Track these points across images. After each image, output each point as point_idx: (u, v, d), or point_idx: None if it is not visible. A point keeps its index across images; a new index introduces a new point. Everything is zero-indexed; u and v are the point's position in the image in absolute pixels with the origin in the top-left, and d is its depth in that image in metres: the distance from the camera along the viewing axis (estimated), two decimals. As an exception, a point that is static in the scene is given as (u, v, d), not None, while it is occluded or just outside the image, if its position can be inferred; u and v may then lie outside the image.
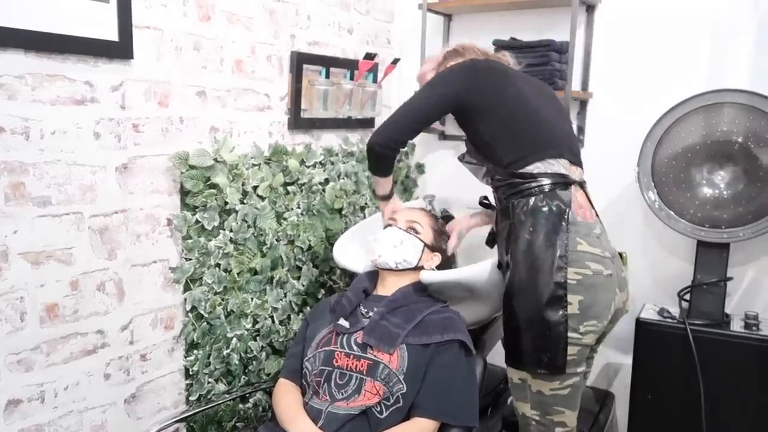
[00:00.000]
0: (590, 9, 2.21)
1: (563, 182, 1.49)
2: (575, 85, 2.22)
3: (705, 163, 1.92)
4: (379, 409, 1.45)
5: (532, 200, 1.47)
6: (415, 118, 1.58)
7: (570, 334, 1.43)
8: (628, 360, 2.11)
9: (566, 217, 1.45)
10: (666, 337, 1.88)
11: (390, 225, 1.71)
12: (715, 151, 1.89)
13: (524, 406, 1.54)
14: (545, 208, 1.46)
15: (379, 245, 1.66)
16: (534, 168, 1.49)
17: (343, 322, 1.57)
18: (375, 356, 1.48)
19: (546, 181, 1.48)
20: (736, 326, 1.89)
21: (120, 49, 1.45)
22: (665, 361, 1.89)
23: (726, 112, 1.86)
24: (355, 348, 1.51)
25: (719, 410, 1.84)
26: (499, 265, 1.59)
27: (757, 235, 1.84)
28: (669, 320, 1.91)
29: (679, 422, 1.90)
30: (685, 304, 1.97)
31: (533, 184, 1.48)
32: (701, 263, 1.94)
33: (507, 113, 1.53)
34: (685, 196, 1.93)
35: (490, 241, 1.77)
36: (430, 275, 1.64)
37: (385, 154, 1.63)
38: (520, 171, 1.50)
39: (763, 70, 1.98)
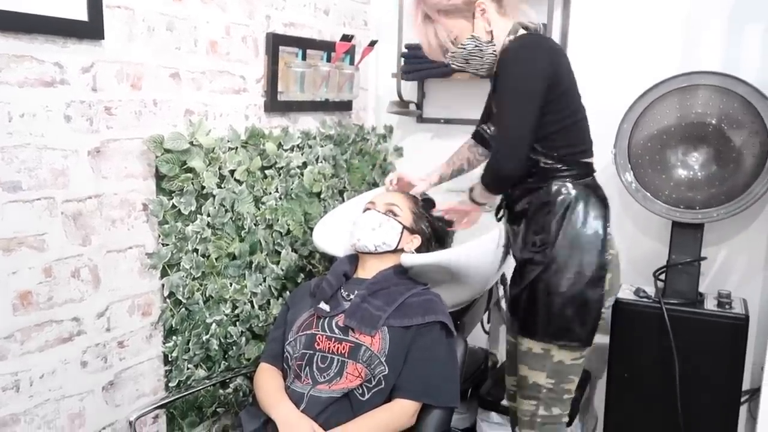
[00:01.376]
0: (567, -9, 2.22)
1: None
2: (552, 67, 2.22)
3: (680, 145, 1.94)
4: (361, 391, 1.46)
5: (581, 184, 1.55)
6: (531, 125, 1.48)
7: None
8: (605, 339, 2.14)
9: (607, 203, 1.58)
10: (642, 317, 1.91)
11: (368, 209, 1.70)
12: (689, 132, 1.92)
13: (539, 375, 1.57)
14: (594, 193, 1.56)
15: (358, 229, 1.65)
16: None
17: (323, 305, 1.57)
18: (356, 339, 1.48)
19: (588, 171, 1.59)
20: (710, 305, 1.93)
21: (90, 29, 1.40)
22: (641, 339, 1.92)
23: (700, 94, 1.89)
24: (336, 331, 1.51)
25: (693, 386, 1.88)
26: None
27: (730, 216, 1.88)
28: (645, 300, 1.94)
29: (655, 399, 1.94)
30: (660, 284, 2.01)
31: (581, 171, 1.56)
32: (676, 243, 1.97)
33: (572, 109, 1.55)
34: (661, 178, 1.95)
35: (501, 215, 1.74)
36: (411, 258, 1.64)
37: (518, 175, 1.53)
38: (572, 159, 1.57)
39: (736, 52, 2.00)
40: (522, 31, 1.55)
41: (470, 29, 1.55)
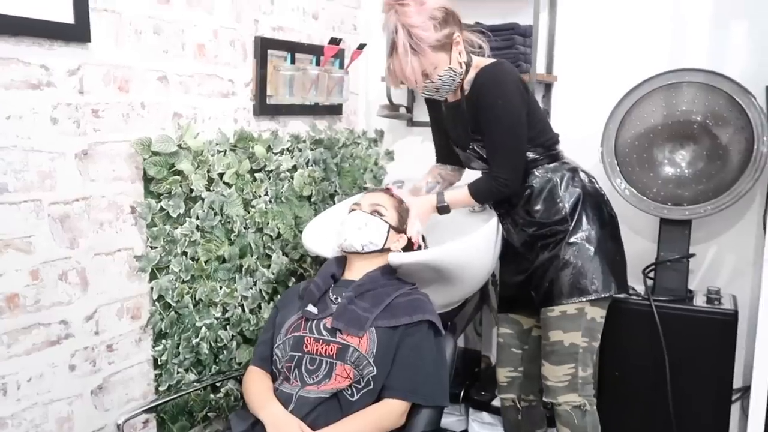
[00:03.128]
0: (553, -7, 2.24)
1: None
2: (540, 68, 2.24)
3: (666, 143, 1.95)
4: (350, 392, 1.46)
5: (559, 163, 1.77)
6: (524, 144, 1.70)
7: None
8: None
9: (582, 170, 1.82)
10: (632, 314, 1.91)
11: (354, 210, 1.71)
12: (675, 130, 1.93)
13: (575, 335, 1.70)
14: (571, 166, 1.79)
15: (345, 229, 1.65)
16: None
17: (311, 308, 1.56)
18: (344, 340, 1.48)
19: (559, 155, 1.81)
20: (699, 301, 1.94)
21: (76, 32, 1.41)
22: (631, 337, 1.92)
23: (685, 91, 1.90)
24: (324, 333, 1.51)
25: (684, 383, 1.88)
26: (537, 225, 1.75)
27: (717, 211, 1.89)
28: (634, 297, 1.94)
29: (645, 397, 1.94)
30: (649, 282, 2.01)
31: (554, 155, 1.79)
32: (664, 240, 1.98)
33: (539, 111, 1.78)
34: (648, 176, 1.97)
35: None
36: (398, 257, 1.64)
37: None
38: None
39: (721, 48, 2.02)
40: (476, 58, 1.72)
41: (448, 61, 1.64)
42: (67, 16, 1.38)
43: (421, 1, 1.60)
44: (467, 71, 1.70)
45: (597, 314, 1.72)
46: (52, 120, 1.40)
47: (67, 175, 1.45)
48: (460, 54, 1.67)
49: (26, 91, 1.34)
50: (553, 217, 1.72)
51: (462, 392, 2.22)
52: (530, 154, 1.73)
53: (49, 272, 1.43)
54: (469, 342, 2.47)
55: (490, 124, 1.67)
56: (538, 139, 1.74)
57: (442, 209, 1.75)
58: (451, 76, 1.66)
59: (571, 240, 1.70)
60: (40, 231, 1.40)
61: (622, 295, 1.79)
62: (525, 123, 1.67)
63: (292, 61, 2.06)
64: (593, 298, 1.68)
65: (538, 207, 1.73)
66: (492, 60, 1.71)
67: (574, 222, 1.71)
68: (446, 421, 2.24)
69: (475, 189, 1.73)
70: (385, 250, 1.65)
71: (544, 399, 1.77)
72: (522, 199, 1.75)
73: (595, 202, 1.75)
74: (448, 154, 1.95)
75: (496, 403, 2.14)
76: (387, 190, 1.76)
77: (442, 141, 1.95)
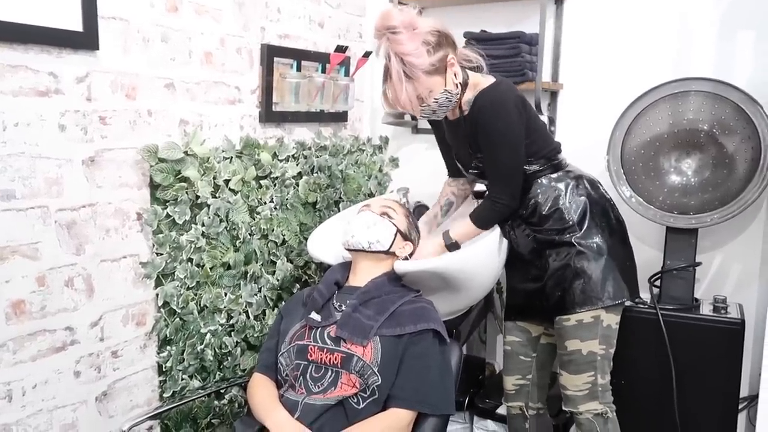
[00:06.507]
0: (559, 1, 2.24)
1: None
2: (545, 76, 2.24)
3: (673, 152, 1.95)
4: (356, 400, 1.45)
5: (562, 171, 1.77)
6: (523, 161, 1.71)
7: None
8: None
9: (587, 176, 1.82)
10: (638, 323, 1.90)
11: (364, 210, 1.71)
12: (682, 139, 1.93)
13: (592, 343, 1.70)
14: (576, 173, 1.79)
15: (352, 227, 1.65)
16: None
17: (314, 315, 1.56)
18: (348, 349, 1.47)
19: (561, 164, 1.80)
20: (706, 310, 1.93)
21: (85, 40, 1.42)
22: (638, 346, 1.91)
23: (692, 100, 1.90)
24: (328, 341, 1.51)
25: (691, 392, 1.87)
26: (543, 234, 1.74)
27: (723, 220, 1.88)
28: (640, 306, 1.93)
29: (652, 405, 1.93)
30: (655, 290, 2.00)
31: (556, 165, 1.78)
32: (670, 249, 1.97)
33: (538, 124, 1.75)
34: (654, 184, 1.96)
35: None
36: (404, 265, 1.64)
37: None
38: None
39: (728, 58, 2.02)
40: (471, 72, 1.70)
41: (443, 84, 1.63)
42: (75, 24, 1.39)
43: (413, 26, 1.56)
44: (465, 89, 1.69)
45: (612, 321, 1.72)
46: (59, 127, 1.40)
47: (74, 181, 1.45)
48: (455, 75, 1.64)
49: (34, 99, 1.35)
50: (560, 226, 1.71)
51: (466, 400, 2.21)
52: (533, 166, 1.73)
53: (55, 279, 1.43)
54: (473, 349, 2.46)
55: (490, 147, 1.68)
56: (540, 152, 1.73)
57: (452, 247, 1.74)
58: (447, 98, 1.64)
59: (582, 248, 1.70)
60: (46, 237, 1.40)
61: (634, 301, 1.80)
62: (523, 143, 1.67)
63: (298, 69, 2.07)
64: (607, 304, 1.68)
65: (544, 216, 1.73)
66: (490, 80, 1.69)
67: (583, 230, 1.71)
68: (450, 429, 2.22)
69: (476, 217, 1.73)
70: (390, 253, 1.65)
71: (563, 408, 1.76)
72: (528, 209, 1.75)
73: (601, 209, 1.76)
74: (459, 168, 1.94)
75: (501, 410, 2.13)
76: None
77: (450, 157, 1.94)
